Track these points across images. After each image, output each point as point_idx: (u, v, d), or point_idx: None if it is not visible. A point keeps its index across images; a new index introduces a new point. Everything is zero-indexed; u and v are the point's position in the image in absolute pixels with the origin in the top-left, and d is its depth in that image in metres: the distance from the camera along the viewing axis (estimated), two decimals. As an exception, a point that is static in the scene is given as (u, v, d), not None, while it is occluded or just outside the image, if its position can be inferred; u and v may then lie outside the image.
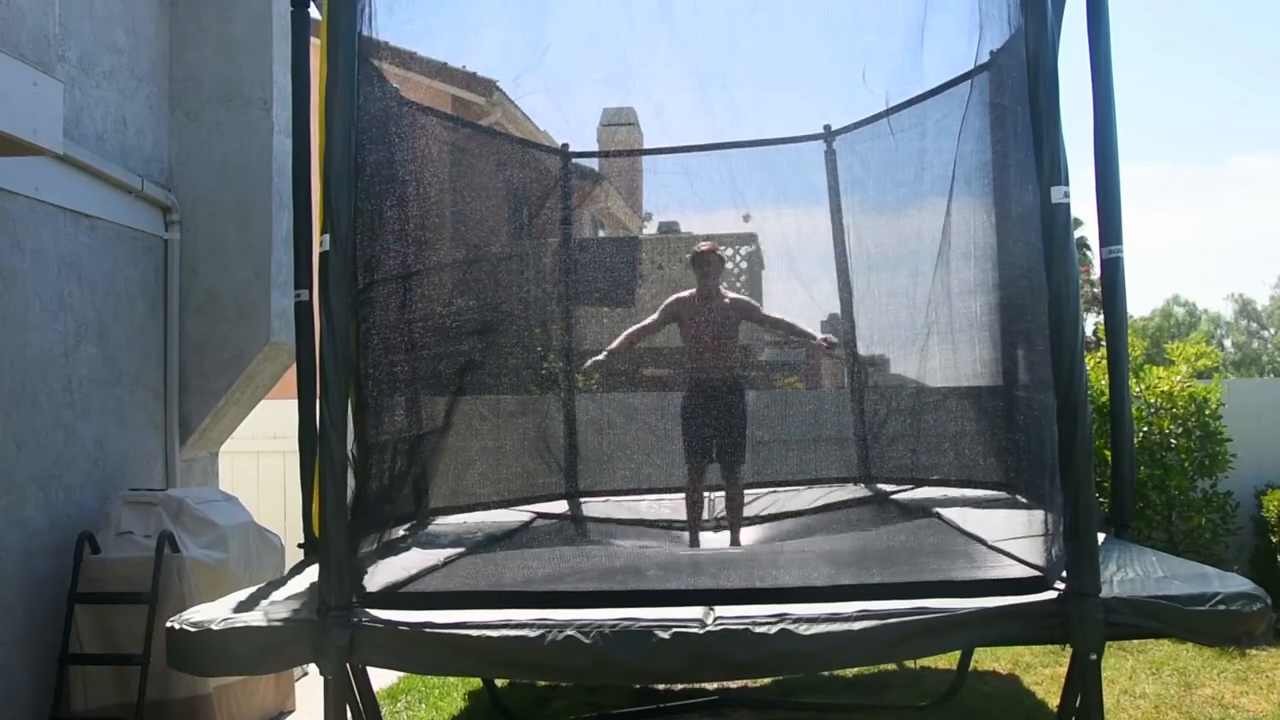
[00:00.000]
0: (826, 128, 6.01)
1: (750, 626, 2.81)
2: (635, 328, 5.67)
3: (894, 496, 5.35)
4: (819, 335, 5.74)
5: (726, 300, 5.56)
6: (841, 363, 6.20)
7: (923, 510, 4.89)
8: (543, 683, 5.35)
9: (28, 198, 4.59)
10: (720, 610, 2.92)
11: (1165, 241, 79.08)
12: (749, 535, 5.21)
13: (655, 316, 5.63)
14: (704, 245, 5.59)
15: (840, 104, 5.67)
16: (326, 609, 2.96)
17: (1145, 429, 6.75)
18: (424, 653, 2.99)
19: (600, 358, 5.66)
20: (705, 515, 5.36)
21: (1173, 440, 6.76)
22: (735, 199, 5.78)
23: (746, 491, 5.51)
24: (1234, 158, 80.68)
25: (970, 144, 4.53)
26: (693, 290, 5.56)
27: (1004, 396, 4.40)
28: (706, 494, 5.49)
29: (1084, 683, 2.92)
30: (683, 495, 5.45)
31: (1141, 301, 57.01)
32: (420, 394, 4.51)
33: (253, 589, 3.58)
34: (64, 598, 4.52)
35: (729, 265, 7.74)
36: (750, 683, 5.29)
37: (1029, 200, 3.17)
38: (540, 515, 5.40)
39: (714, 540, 5.21)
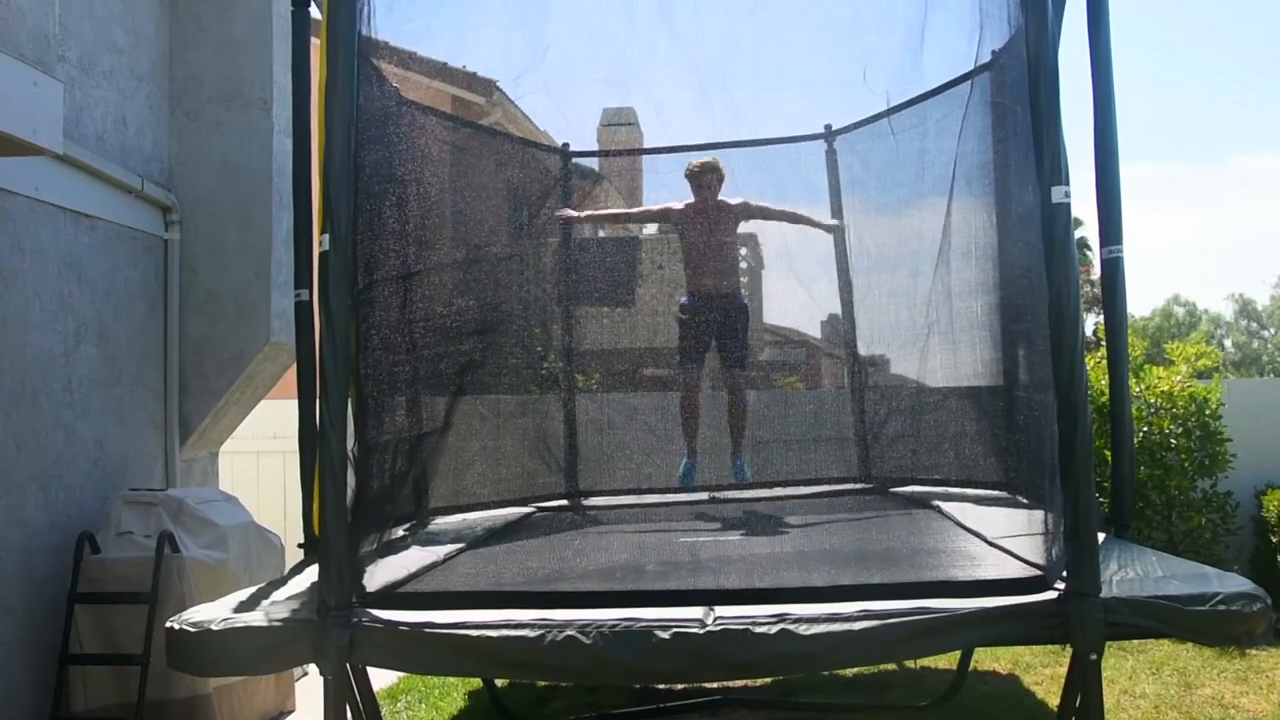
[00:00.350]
0: (827, 127, 6.00)
1: (750, 626, 2.80)
2: (622, 210, 5.55)
3: (894, 496, 5.35)
4: (823, 223, 5.66)
5: (721, 203, 5.39)
6: (841, 362, 6.20)
7: (922, 502, 4.88)
8: (543, 683, 5.35)
9: (28, 198, 4.59)
10: (720, 610, 2.92)
11: (1165, 241, 79.09)
12: (753, 532, 5.16)
13: (648, 210, 5.53)
14: (702, 161, 5.42)
15: (840, 104, 5.66)
16: (326, 609, 2.95)
17: (1145, 429, 6.75)
18: (424, 653, 2.98)
19: (578, 214, 5.59)
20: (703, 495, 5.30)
21: (1173, 440, 6.76)
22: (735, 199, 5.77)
23: (749, 492, 5.49)
24: (1234, 158, 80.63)
25: (970, 144, 4.53)
26: (688, 201, 5.45)
27: (1004, 396, 4.40)
28: (707, 492, 5.48)
29: (1084, 683, 2.92)
30: (684, 496, 5.44)
31: (1142, 301, 57.02)
32: (420, 394, 4.51)
33: (253, 589, 3.58)
34: (64, 598, 4.52)
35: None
36: (750, 683, 5.29)
37: (1029, 200, 3.17)
38: (540, 508, 5.41)
39: (712, 540, 5.20)
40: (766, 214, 5.61)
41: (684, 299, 5.41)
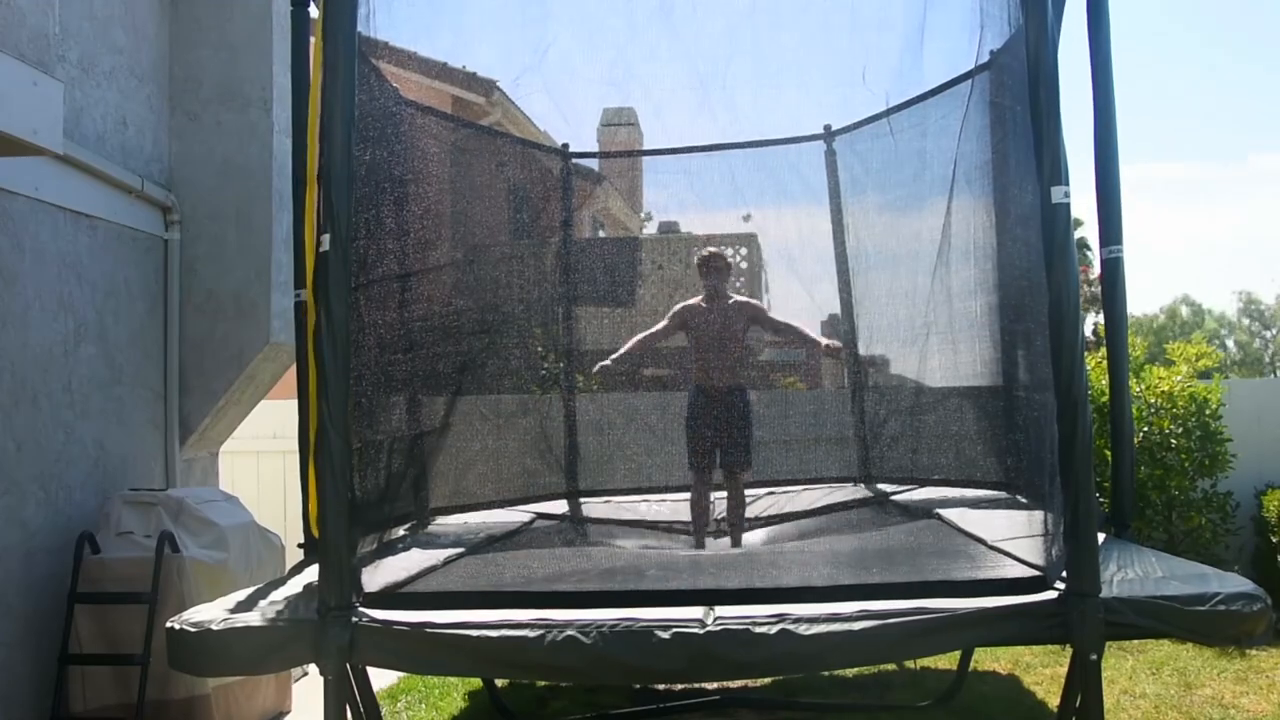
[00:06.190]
0: (826, 128, 6.00)
1: (750, 626, 2.81)
2: (644, 334, 5.57)
3: (894, 497, 5.36)
4: (824, 340, 5.66)
5: (732, 302, 5.50)
6: (842, 363, 6.20)
7: (923, 511, 4.89)
8: (543, 683, 5.35)
9: (28, 198, 4.59)
10: (720, 610, 2.92)
11: (1178, 241, 78.69)
12: (750, 537, 5.21)
13: (664, 324, 5.55)
14: (710, 249, 5.54)
15: (840, 104, 5.67)
16: (326, 609, 2.95)
17: (1145, 429, 6.74)
18: (424, 653, 2.99)
19: (608, 363, 5.54)
20: (709, 521, 5.34)
21: (1173, 440, 6.76)
22: (735, 199, 5.78)
23: (747, 491, 5.50)
24: (1253, 155, 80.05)
25: (970, 144, 4.53)
26: (699, 297, 5.52)
27: (1004, 396, 4.41)
28: (712, 494, 5.49)
29: (1084, 683, 2.92)
30: (684, 495, 5.45)
31: (1150, 300, 56.83)
32: (420, 394, 4.51)
33: (253, 589, 3.59)
34: (64, 598, 4.52)
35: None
36: (750, 683, 5.29)
37: (1029, 200, 3.17)
38: (540, 515, 5.41)
39: (715, 545, 5.21)
40: (775, 327, 5.67)
41: (689, 400, 5.41)
